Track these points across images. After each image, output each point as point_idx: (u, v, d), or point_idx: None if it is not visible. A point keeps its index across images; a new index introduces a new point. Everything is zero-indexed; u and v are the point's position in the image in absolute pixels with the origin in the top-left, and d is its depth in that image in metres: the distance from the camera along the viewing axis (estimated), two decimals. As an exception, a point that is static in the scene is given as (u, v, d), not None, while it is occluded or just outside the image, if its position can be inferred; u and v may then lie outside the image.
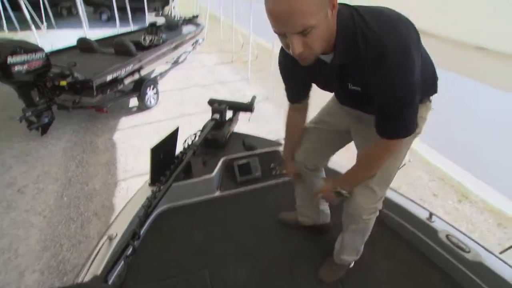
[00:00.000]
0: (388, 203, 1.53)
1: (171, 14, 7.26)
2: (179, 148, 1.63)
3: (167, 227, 1.60)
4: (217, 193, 1.78)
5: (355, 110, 1.08)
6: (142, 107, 4.48)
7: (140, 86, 4.26)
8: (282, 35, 0.78)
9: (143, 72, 4.40)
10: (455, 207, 3.31)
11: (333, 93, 1.18)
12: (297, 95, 1.20)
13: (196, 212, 1.70)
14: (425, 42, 0.90)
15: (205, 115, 1.96)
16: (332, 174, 1.48)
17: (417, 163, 3.79)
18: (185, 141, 1.63)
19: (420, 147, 3.95)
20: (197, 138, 1.76)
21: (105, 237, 1.26)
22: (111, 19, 9.72)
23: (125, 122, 4.29)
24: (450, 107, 5.33)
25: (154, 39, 4.91)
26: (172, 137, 1.59)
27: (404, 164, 3.81)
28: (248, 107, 1.97)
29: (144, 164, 3.38)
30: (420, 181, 3.58)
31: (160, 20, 6.03)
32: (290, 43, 0.76)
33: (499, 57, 1.45)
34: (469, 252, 1.26)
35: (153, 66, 4.89)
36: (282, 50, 1.01)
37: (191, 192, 1.74)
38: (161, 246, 1.50)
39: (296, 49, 0.76)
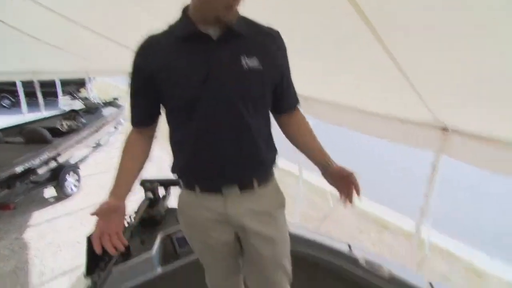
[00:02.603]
0: (317, 245, 1.78)
1: (89, 97, 7.20)
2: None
3: None
4: (159, 270, 1.76)
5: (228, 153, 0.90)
6: (61, 196, 4.09)
7: (58, 174, 3.95)
8: None
9: (61, 159, 4.13)
10: (379, 238, 3.80)
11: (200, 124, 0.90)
12: (145, 113, 0.98)
13: None
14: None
15: (133, 196, 2.00)
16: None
17: (341, 206, 4.30)
18: (121, 224, 1.64)
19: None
20: (132, 219, 1.79)
21: None
22: (15, 105, 8.98)
23: (38, 216, 3.81)
24: (359, 154, 6.38)
25: (72, 124, 4.77)
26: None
27: (331, 208, 4.22)
28: (177, 182, 2.09)
29: (68, 262, 3.00)
30: (348, 221, 4.04)
31: (78, 104, 5.93)
32: None
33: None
34: (382, 269, 1.54)
35: (73, 152, 4.65)
36: (149, 39, 0.92)
37: (133, 274, 1.68)
38: None
39: None
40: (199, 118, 0.88)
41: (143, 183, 2.03)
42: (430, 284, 1.44)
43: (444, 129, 2.11)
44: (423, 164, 2.29)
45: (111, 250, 0.85)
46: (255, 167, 0.93)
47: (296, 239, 1.87)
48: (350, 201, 1.00)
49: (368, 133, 2.42)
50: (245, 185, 0.93)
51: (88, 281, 1.43)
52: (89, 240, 1.43)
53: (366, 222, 4.10)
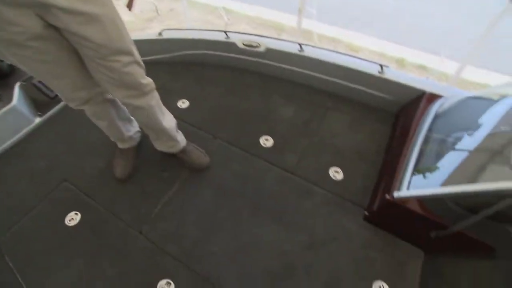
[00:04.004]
0: (194, 42, 1.74)
1: None
2: None
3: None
4: (38, 120, 1.60)
5: None
6: None
7: None
8: None
9: None
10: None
11: None
12: None
13: (22, 148, 1.53)
14: None
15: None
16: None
17: (237, 19, 4.13)
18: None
19: (234, 6, 4.26)
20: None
21: None
22: None
23: None
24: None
25: None
26: None
27: (226, 23, 4.04)
28: None
29: None
30: (246, 31, 4.02)
31: None
32: None
33: None
34: (259, 46, 1.61)
35: None
36: None
37: (2, 133, 1.51)
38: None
39: None
40: None
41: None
42: (300, 45, 1.56)
43: None
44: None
45: None
46: None
47: (171, 42, 1.78)
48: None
49: None
50: None
51: None
52: None
53: (264, 29, 4.11)
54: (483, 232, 0.93)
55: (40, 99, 1.65)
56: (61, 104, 1.66)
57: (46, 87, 1.62)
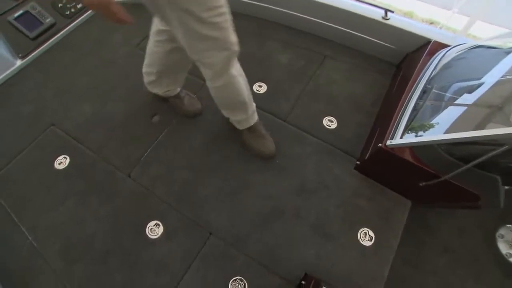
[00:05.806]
0: None
1: None
2: None
3: None
4: (19, 62, 1.51)
5: None
6: None
7: None
8: None
9: None
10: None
11: None
12: None
13: (6, 92, 1.47)
14: None
15: None
16: None
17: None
18: None
19: None
20: None
21: None
22: None
23: None
24: None
25: None
26: None
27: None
28: None
29: None
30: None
31: None
32: None
33: None
34: None
35: None
36: None
37: None
38: None
39: None
40: None
41: None
42: None
43: None
44: None
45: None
46: None
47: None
48: None
49: None
50: None
51: None
52: None
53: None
54: (470, 181, 0.92)
55: (19, 40, 1.54)
56: (47, 44, 1.57)
57: (24, 26, 1.50)
